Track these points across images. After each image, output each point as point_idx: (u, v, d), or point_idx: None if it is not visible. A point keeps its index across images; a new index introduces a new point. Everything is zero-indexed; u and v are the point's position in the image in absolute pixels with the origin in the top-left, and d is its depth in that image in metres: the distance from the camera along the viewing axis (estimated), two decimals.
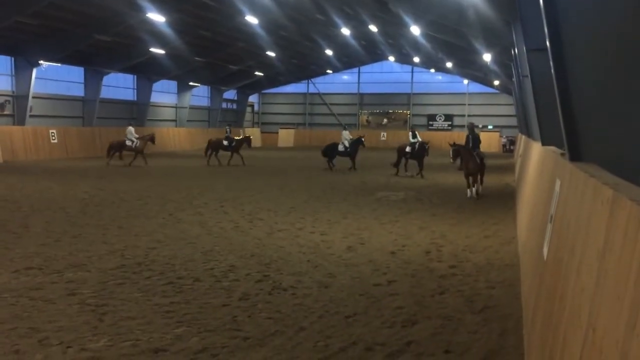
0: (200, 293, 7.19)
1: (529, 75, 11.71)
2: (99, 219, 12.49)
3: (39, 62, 32.71)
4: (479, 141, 17.87)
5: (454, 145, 17.66)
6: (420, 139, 24.88)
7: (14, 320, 6.10)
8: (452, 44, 31.09)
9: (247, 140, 29.55)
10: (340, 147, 26.97)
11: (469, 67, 44.03)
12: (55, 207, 14.19)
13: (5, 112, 32.71)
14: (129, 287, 7.40)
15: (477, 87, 55.67)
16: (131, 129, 28.52)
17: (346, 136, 27.52)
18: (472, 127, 18.72)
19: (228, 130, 30.96)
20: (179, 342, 5.56)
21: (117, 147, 27.76)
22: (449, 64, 46.10)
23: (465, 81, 55.69)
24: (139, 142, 27.68)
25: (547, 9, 4.71)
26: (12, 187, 17.97)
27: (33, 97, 33.43)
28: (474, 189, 17.30)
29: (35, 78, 33.22)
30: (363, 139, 27.13)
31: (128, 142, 27.63)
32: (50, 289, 7.26)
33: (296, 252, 9.61)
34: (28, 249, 9.46)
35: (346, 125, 34.32)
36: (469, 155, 17.14)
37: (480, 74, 46.59)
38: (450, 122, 56.87)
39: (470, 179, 17.28)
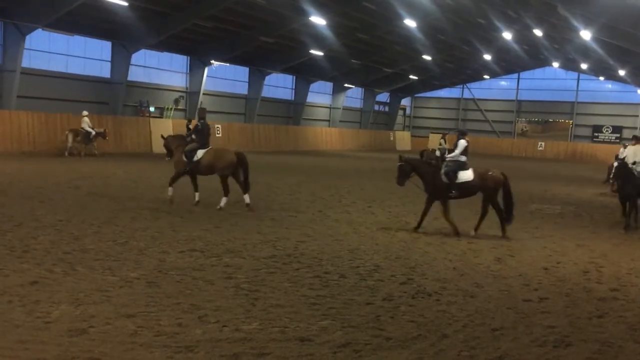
0: (345, 289, 7.36)
1: None
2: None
3: (211, 61, 35.53)
4: None
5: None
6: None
7: (178, 295, 6.72)
8: (627, 50, 28.58)
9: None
10: None
11: None
12: (216, 195, 15.26)
13: (179, 107, 35.88)
14: (279, 276, 7.80)
15: None
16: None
17: None
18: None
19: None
20: (324, 334, 5.75)
21: None
22: (621, 72, 42.41)
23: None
24: None
25: None
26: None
27: (203, 94, 36.37)
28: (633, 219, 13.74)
29: (207, 76, 36.13)
30: None
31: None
32: (210, 270, 7.88)
33: (442, 258, 9.46)
34: (192, 232, 10.33)
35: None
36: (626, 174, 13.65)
37: None
38: (618, 135, 52.27)
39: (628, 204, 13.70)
